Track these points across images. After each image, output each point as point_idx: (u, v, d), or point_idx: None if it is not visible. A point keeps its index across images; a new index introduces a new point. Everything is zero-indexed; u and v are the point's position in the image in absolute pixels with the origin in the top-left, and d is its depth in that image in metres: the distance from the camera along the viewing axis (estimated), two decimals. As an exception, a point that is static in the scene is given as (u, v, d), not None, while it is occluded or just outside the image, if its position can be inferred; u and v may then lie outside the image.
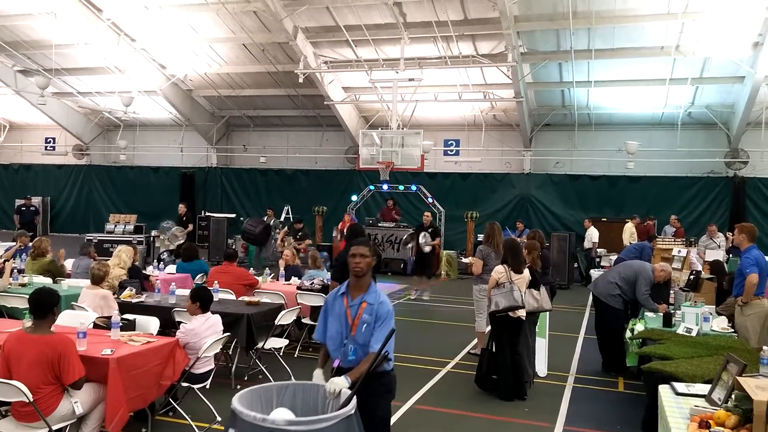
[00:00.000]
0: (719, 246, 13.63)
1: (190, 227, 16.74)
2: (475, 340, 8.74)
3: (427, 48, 16.35)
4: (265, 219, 17.36)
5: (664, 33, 14.60)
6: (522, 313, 6.76)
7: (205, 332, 5.75)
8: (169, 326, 6.86)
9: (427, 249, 13.12)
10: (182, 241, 15.13)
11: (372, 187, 18.44)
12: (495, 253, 7.99)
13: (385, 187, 17.59)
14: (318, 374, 3.95)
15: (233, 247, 17.36)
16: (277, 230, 16.35)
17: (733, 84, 16.25)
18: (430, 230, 13.55)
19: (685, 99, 16.86)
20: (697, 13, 13.64)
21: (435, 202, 18.08)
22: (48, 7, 16.12)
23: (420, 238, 13.67)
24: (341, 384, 3.60)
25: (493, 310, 6.76)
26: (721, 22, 13.94)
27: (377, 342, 3.90)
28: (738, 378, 3.48)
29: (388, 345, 3.84)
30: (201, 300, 5.91)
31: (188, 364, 5.54)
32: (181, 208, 16.85)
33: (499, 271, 6.90)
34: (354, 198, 18.95)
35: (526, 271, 7.04)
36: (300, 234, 15.54)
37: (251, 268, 10.89)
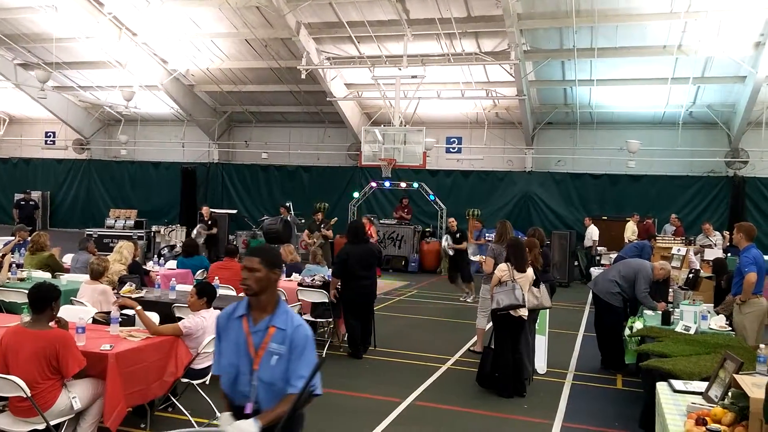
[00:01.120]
0: (715, 244, 13.66)
1: (215, 230, 15.91)
2: (475, 338, 8.76)
3: (430, 45, 16.34)
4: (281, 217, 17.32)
5: (666, 32, 14.58)
6: (523, 312, 6.77)
7: (210, 327, 5.75)
8: (169, 322, 6.84)
9: (451, 253, 13.03)
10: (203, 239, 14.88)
11: (374, 184, 18.44)
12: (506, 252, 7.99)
13: (387, 184, 17.58)
14: (227, 417, 3.09)
15: (234, 242, 17.39)
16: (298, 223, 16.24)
17: (735, 84, 16.24)
18: (458, 234, 13.17)
19: (687, 98, 16.84)
20: (700, 12, 13.61)
21: (437, 199, 18.09)
22: (49, 1, 16.08)
23: (443, 242, 13.51)
24: (248, 429, 2.87)
25: (495, 308, 6.78)
26: (724, 22, 13.93)
27: (299, 378, 2.99)
28: (735, 375, 3.49)
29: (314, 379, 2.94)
30: (208, 295, 5.90)
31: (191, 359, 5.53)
32: (206, 211, 15.74)
33: (502, 269, 6.90)
34: (355, 195, 18.97)
35: (530, 270, 7.03)
36: (321, 223, 15.45)
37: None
